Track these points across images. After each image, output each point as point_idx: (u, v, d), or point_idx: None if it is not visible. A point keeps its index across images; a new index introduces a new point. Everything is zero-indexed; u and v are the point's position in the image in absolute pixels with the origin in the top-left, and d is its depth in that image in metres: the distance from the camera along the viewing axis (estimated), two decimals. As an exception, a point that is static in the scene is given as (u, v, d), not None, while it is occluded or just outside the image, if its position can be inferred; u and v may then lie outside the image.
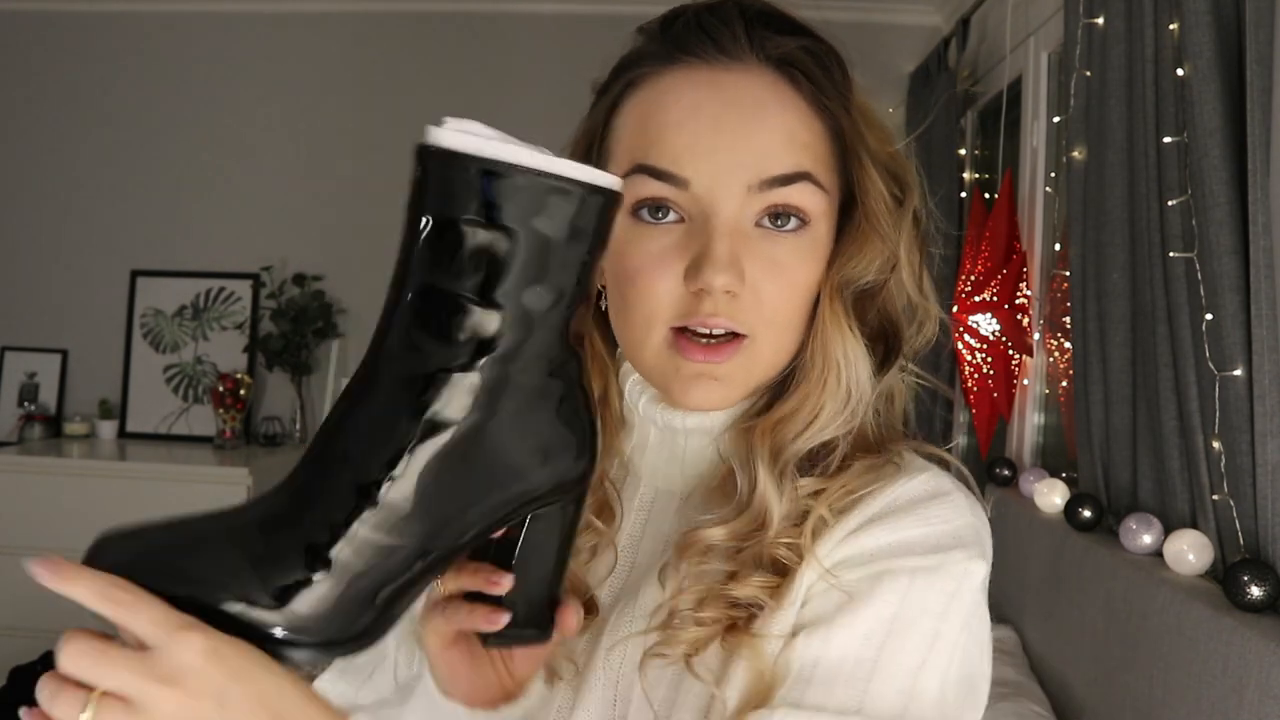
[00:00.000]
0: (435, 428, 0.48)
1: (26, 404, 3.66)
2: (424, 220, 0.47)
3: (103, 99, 3.68)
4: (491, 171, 0.45)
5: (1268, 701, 1.13)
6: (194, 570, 0.49)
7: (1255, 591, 1.24)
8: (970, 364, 2.49)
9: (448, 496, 0.49)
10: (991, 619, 2.49)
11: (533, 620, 0.58)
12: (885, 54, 3.43)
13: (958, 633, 0.62)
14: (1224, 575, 1.30)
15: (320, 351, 3.61)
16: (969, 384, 2.51)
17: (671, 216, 0.63)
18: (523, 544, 0.57)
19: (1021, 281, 2.37)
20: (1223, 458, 1.34)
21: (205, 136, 3.65)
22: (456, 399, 0.49)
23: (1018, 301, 2.38)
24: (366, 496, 0.48)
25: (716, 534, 0.63)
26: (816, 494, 0.64)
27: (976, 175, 2.95)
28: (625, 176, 0.63)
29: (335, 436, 0.49)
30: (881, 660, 0.59)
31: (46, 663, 2.50)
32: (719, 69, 0.63)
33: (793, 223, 0.63)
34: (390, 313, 0.49)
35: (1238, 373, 1.30)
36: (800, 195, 0.63)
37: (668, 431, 0.70)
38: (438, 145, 0.46)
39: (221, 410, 3.46)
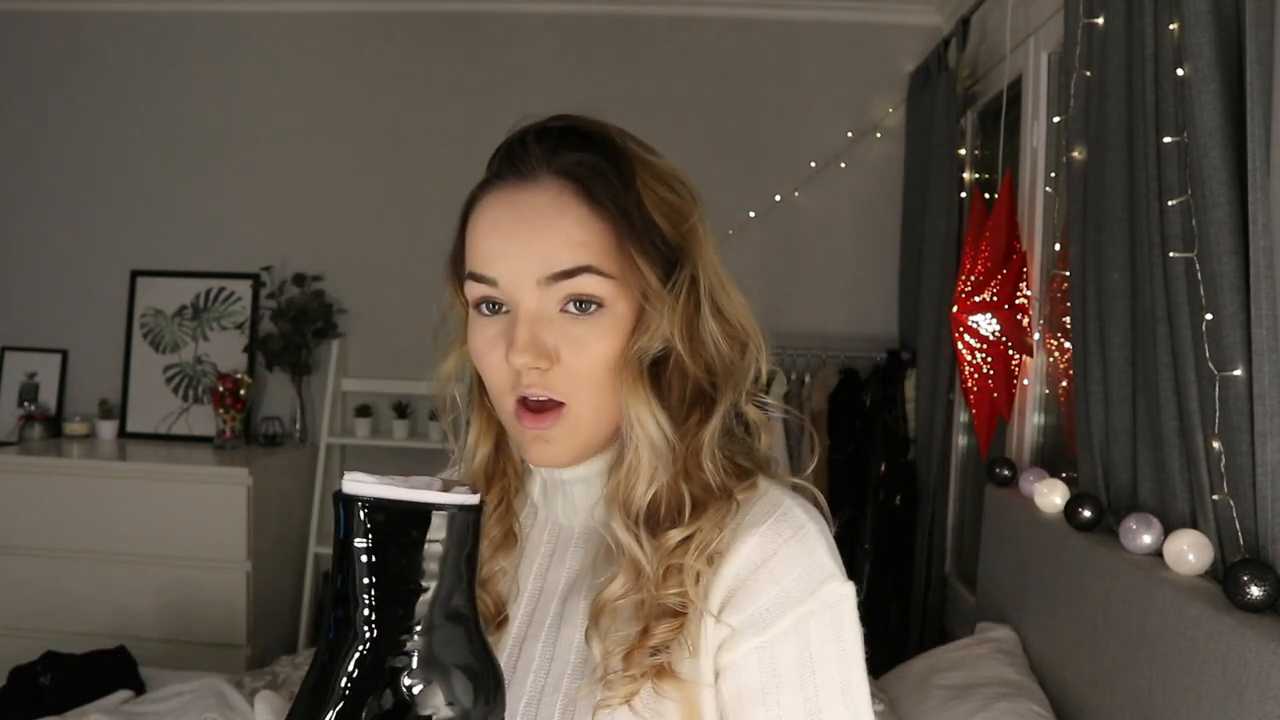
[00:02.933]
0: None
1: (26, 404, 3.66)
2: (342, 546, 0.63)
3: (103, 99, 3.68)
4: (376, 507, 0.62)
5: (1268, 701, 1.13)
6: None
7: (1255, 591, 1.24)
8: (970, 364, 2.49)
9: None
10: (991, 619, 2.51)
11: None
12: (885, 54, 3.44)
13: (854, 643, 0.77)
14: (1224, 575, 1.30)
15: (320, 351, 3.61)
16: (969, 384, 2.51)
17: (503, 309, 0.78)
18: None
19: (1021, 281, 2.37)
20: (1223, 458, 1.34)
21: (205, 136, 3.65)
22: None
23: (1018, 301, 2.38)
24: None
25: (614, 590, 0.77)
26: (684, 542, 0.76)
27: (976, 175, 2.95)
28: (464, 281, 0.80)
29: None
30: (821, 698, 0.74)
31: (46, 663, 2.51)
32: (516, 188, 0.78)
33: (591, 307, 0.77)
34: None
35: (1238, 373, 1.30)
36: (585, 284, 0.76)
37: (553, 481, 0.86)
38: (343, 492, 0.63)
39: (221, 410, 3.46)
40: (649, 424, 0.77)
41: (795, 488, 0.82)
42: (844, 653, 0.75)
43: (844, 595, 0.76)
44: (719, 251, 0.82)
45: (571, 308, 0.77)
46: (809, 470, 0.85)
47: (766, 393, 0.85)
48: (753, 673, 0.75)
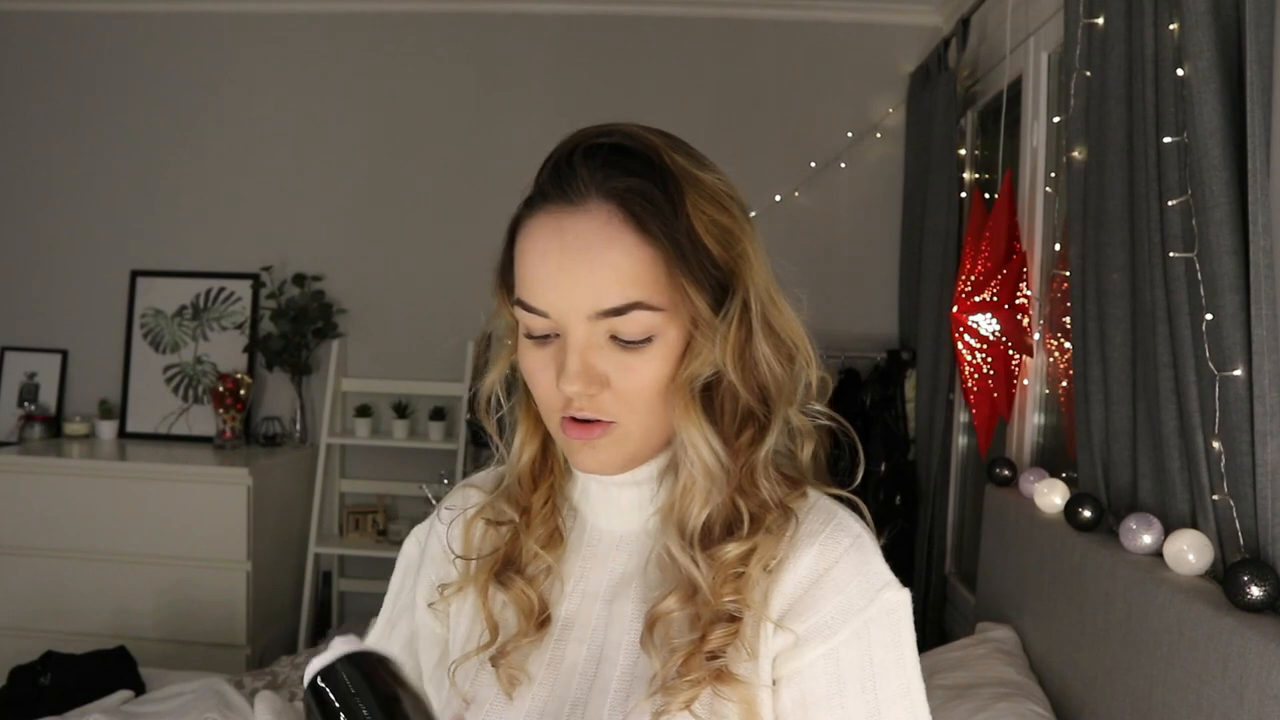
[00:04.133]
0: None
1: (26, 404, 3.66)
2: None
3: (103, 99, 3.68)
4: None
5: (1268, 701, 1.13)
6: None
7: (1255, 591, 1.24)
8: (970, 364, 2.49)
9: None
10: (991, 619, 2.51)
11: None
12: (885, 54, 3.44)
13: (911, 648, 0.79)
14: (1224, 575, 1.30)
15: (320, 351, 3.61)
16: (969, 384, 2.51)
17: (549, 335, 0.78)
18: None
19: (1021, 281, 2.37)
20: (1223, 458, 1.34)
21: (206, 136, 3.65)
22: None
23: (1018, 301, 2.38)
24: None
25: (669, 604, 0.78)
26: (745, 555, 0.77)
27: (976, 175, 2.95)
28: (514, 304, 0.80)
29: None
30: (881, 702, 0.76)
31: (46, 663, 2.52)
32: (564, 212, 0.76)
33: (638, 339, 0.76)
34: None
35: (1238, 373, 1.30)
36: (634, 321, 0.76)
37: (601, 484, 0.86)
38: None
39: (221, 410, 3.46)
40: (703, 449, 0.77)
41: (837, 498, 0.83)
42: (902, 657, 0.77)
43: (900, 601, 0.78)
44: (769, 262, 0.81)
45: (619, 337, 0.77)
46: (856, 484, 0.86)
47: (826, 401, 0.84)
48: (819, 680, 0.76)
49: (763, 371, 0.79)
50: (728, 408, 0.79)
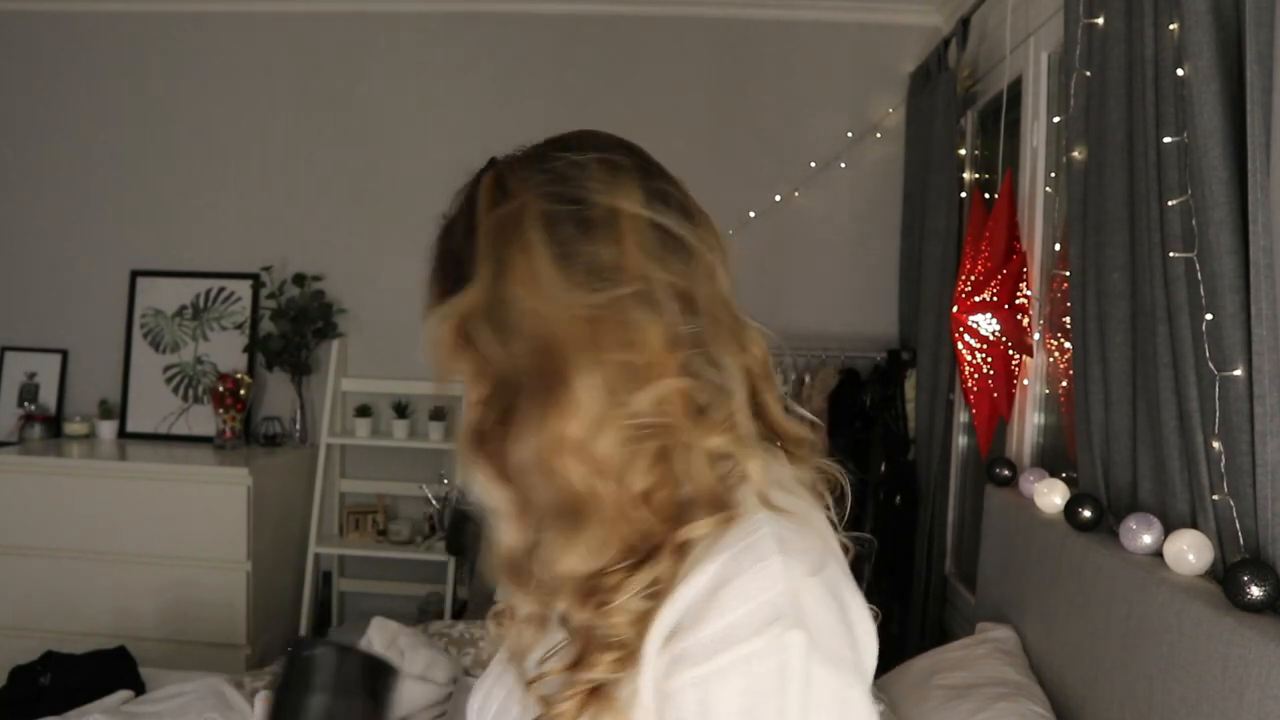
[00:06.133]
0: None
1: (26, 404, 3.66)
2: None
3: (103, 99, 3.68)
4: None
5: (1268, 701, 1.13)
6: None
7: (1255, 591, 1.24)
8: (970, 364, 2.49)
9: None
10: (991, 619, 2.49)
11: None
12: (885, 54, 3.44)
13: (800, 700, 0.65)
14: (1224, 575, 1.30)
15: (320, 351, 3.61)
16: (969, 384, 2.51)
17: None
18: None
19: (1021, 281, 2.37)
20: (1223, 458, 1.34)
21: (206, 136, 3.65)
22: None
23: (1018, 301, 2.38)
24: None
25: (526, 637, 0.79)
26: (612, 589, 0.70)
27: (976, 175, 2.95)
28: None
29: None
30: None
31: (46, 663, 2.52)
32: None
33: None
34: None
35: (1238, 373, 1.30)
36: None
37: None
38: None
39: (221, 410, 3.46)
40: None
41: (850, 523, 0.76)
42: (784, 709, 0.64)
43: (788, 644, 0.65)
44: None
45: None
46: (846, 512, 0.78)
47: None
48: (687, 709, 0.66)
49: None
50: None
